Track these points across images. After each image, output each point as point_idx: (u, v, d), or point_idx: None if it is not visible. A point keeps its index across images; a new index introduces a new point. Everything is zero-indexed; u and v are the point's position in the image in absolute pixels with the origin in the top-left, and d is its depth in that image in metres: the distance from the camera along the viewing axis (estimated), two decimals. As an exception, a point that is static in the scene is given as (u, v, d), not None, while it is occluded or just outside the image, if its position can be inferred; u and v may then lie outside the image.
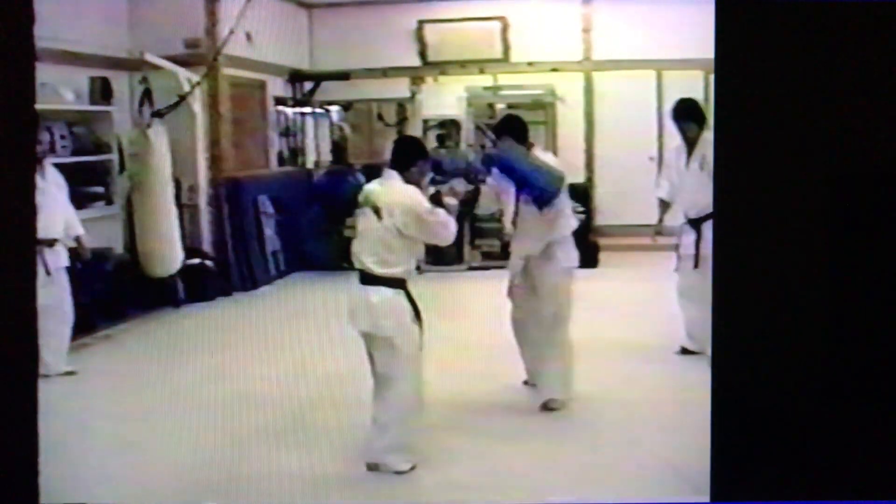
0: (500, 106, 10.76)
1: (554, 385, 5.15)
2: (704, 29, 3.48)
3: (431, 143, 10.50)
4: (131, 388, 5.67)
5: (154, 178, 7.46)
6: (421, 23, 10.63)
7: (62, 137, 7.36)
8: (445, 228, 4.40)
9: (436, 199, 4.58)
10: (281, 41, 9.83)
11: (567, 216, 5.22)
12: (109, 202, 7.86)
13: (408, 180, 4.38)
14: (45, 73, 5.89)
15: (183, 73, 7.98)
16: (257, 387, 5.55)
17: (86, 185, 7.46)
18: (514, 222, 5.17)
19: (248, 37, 9.01)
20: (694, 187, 5.90)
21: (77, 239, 6.23)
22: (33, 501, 3.36)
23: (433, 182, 4.95)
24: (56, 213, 6.04)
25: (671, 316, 6.17)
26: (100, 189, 7.79)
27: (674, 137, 6.35)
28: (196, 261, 8.16)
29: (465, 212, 5.18)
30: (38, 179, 5.67)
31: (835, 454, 3.41)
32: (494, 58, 10.59)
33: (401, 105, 10.92)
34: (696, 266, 5.91)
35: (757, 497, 3.45)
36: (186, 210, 8.30)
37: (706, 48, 3.42)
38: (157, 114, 7.50)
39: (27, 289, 3.35)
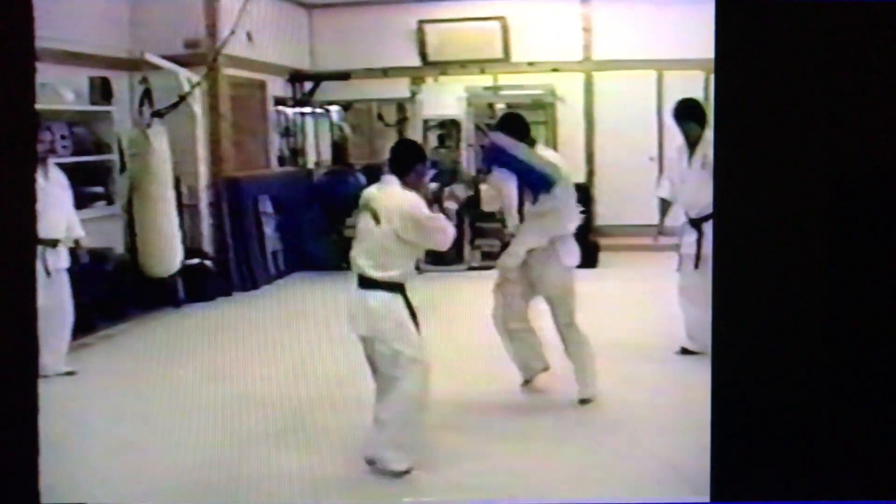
0: (500, 106, 10.75)
1: (589, 381, 5.27)
2: (704, 29, 3.48)
3: (432, 143, 10.52)
4: (131, 388, 5.67)
5: (154, 179, 7.45)
6: (421, 23, 10.62)
7: (62, 137, 7.36)
8: (444, 234, 4.39)
9: (436, 199, 4.58)
10: (281, 41, 9.83)
11: (572, 211, 5.26)
12: (109, 202, 7.86)
13: (407, 185, 4.38)
14: (45, 73, 5.88)
15: (183, 73, 7.97)
16: (257, 387, 5.55)
17: (86, 185, 7.45)
18: (520, 212, 5.20)
19: (248, 37, 9.00)
20: (695, 187, 5.90)
21: (75, 242, 6.20)
22: (33, 501, 3.36)
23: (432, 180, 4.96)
24: (59, 213, 6.03)
25: (671, 316, 6.17)
26: (100, 189, 7.79)
27: (674, 137, 6.36)
28: (196, 261, 8.15)
29: (470, 214, 5.24)
30: (41, 180, 5.71)
31: (835, 454, 3.41)
32: (494, 58, 10.58)
33: (401, 105, 10.92)
34: (696, 266, 5.92)
35: (757, 497, 3.45)
36: (186, 210, 8.30)
37: (706, 48, 3.43)
38: (157, 114, 7.49)
39: (27, 289, 3.35)
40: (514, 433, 4.86)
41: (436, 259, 8.27)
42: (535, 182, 5.07)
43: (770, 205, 3.40)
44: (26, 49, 3.29)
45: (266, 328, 7.06)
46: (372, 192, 4.44)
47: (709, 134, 5.86)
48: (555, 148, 10.61)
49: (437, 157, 10.13)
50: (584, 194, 9.88)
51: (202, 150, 8.53)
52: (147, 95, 7.51)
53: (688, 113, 6.06)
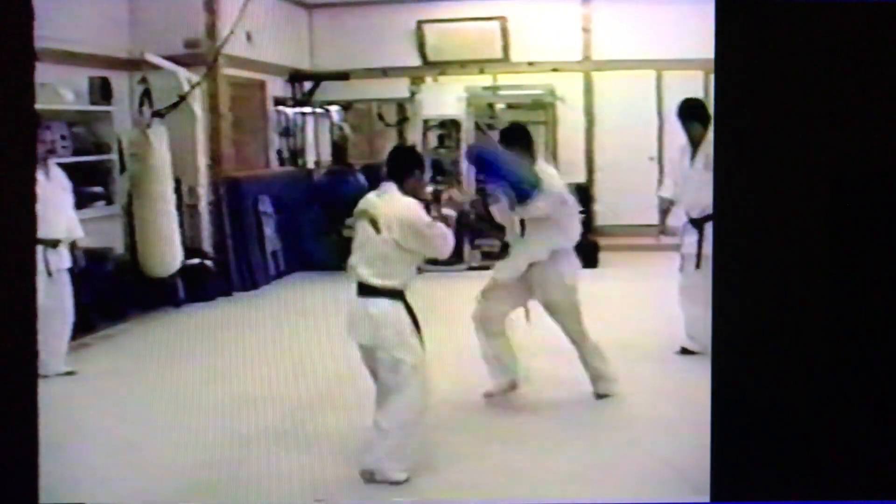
0: (500, 106, 10.77)
1: (610, 379, 5.34)
2: (704, 29, 3.48)
3: (432, 143, 10.53)
4: (131, 388, 5.67)
5: (154, 178, 7.47)
6: (421, 23, 10.63)
7: (62, 137, 7.35)
8: (444, 242, 4.38)
9: (436, 199, 4.57)
10: (281, 41, 9.83)
11: (573, 225, 5.27)
12: (109, 202, 7.86)
13: (406, 191, 4.37)
14: (45, 73, 5.88)
15: (183, 73, 7.98)
16: (257, 387, 5.55)
17: (86, 185, 7.44)
18: (521, 224, 5.20)
19: (248, 37, 9.01)
20: (697, 187, 5.89)
21: (73, 243, 6.18)
22: (33, 501, 3.36)
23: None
24: (60, 213, 6.03)
25: (671, 316, 6.17)
26: (100, 189, 7.78)
27: (674, 137, 6.36)
28: (196, 261, 8.16)
29: (483, 228, 5.31)
30: (42, 180, 5.70)
31: (835, 454, 3.42)
32: (494, 58, 10.60)
33: (401, 105, 10.93)
34: (698, 266, 5.92)
35: (757, 497, 3.45)
36: (186, 210, 8.30)
37: (706, 48, 3.43)
38: (157, 114, 7.50)
39: (27, 289, 3.35)
40: (513, 433, 4.86)
41: (435, 259, 8.27)
42: (518, 190, 5.07)
43: (770, 205, 3.40)
44: (26, 49, 3.29)
45: (266, 328, 7.06)
46: (371, 200, 4.41)
47: (711, 134, 5.85)
48: (555, 148, 10.67)
49: (437, 157, 10.15)
50: (584, 194, 9.92)
51: (202, 150, 8.53)
52: (147, 95, 7.52)
53: (691, 113, 6.07)
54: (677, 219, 6.27)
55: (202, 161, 8.55)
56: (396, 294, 4.30)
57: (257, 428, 4.97)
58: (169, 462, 4.53)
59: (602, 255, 9.34)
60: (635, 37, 10.29)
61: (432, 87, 10.82)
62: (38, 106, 3.40)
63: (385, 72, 10.66)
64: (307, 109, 10.50)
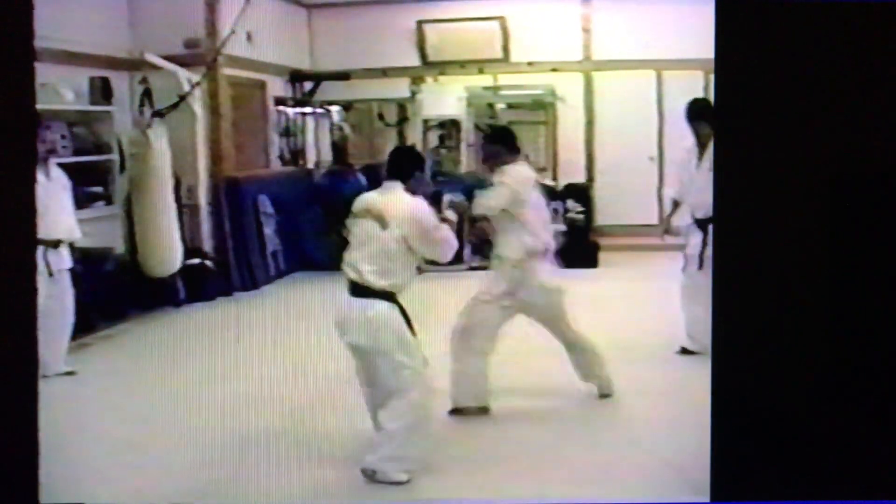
0: (500, 106, 10.78)
1: (604, 380, 5.34)
2: (704, 29, 3.48)
3: (432, 143, 10.54)
4: (131, 388, 5.67)
5: (154, 178, 7.47)
6: (421, 23, 10.64)
7: (62, 137, 7.35)
8: (448, 245, 4.35)
9: (435, 199, 4.57)
10: (281, 41, 9.84)
11: (543, 224, 5.24)
12: (109, 202, 7.86)
13: (409, 190, 4.35)
14: (45, 73, 5.89)
15: (183, 73, 7.98)
16: (257, 387, 5.55)
17: (86, 185, 7.45)
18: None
19: (248, 37, 9.02)
20: (703, 187, 5.85)
21: (70, 244, 6.16)
22: (33, 501, 3.36)
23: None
24: (60, 214, 6.02)
25: (671, 316, 6.17)
26: (100, 189, 7.78)
27: (675, 138, 6.35)
28: (196, 261, 8.16)
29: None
30: (43, 180, 5.70)
31: (835, 454, 3.42)
32: (494, 58, 10.60)
33: (401, 105, 10.94)
34: (700, 267, 5.92)
35: (757, 497, 3.45)
36: (186, 210, 8.30)
37: (706, 48, 3.43)
38: (157, 114, 7.51)
39: (27, 289, 3.35)
40: (513, 433, 4.86)
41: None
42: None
43: (770, 205, 3.40)
44: (26, 49, 3.29)
45: (266, 328, 7.06)
46: (372, 198, 4.38)
47: (720, 134, 5.85)
48: (555, 148, 10.68)
49: (437, 157, 10.16)
50: (584, 194, 9.94)
51: (202, 150, 8.53)
52: (147, 95, 7.52)
53: (698, 113, 6.05)
54: (682, 219, 6.27)
55: (202, 161, 8.55)
56: (391, 297, 4.26)
57: (257, 428, 4.97)
58: (169, 462, 4.53)
59: (602, 255, 9.35)
60: (635, 37, 10.29)
61: (432, 87, 10.83)
62: (38, 106, 3.41)
63: (385, 72, 10.67)
64: (307, 109, 10.50)
